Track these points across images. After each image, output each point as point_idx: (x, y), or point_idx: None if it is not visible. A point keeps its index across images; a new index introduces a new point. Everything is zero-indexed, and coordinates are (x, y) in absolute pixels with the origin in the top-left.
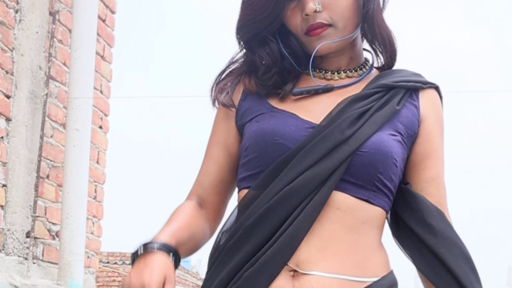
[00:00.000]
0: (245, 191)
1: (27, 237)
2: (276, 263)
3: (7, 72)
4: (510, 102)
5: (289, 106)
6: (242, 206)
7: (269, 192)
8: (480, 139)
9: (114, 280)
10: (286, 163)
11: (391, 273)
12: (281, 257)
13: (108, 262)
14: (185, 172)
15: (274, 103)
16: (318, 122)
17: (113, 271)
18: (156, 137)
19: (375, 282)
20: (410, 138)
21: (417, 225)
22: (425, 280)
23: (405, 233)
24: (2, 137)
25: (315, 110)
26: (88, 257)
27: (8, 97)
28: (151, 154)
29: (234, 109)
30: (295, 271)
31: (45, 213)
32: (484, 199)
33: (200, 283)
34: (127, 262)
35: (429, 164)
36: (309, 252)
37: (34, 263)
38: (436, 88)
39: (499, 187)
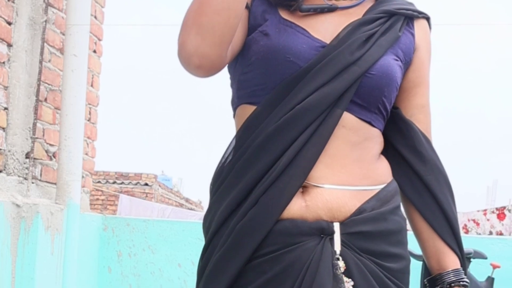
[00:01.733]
0: (246, 106)
1: (27, 158)
2: (293, 184)
3: (8, 0)
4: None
5: (299, 21)
6: (249, 122)
7: (279, 110)
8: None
9: (97, 199)
10: (297, 82)
11: (393, 180)
12: (298, 177)
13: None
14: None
15: (284, 14)
16: (327, 42)
17: (97, 190)
18: (146, 62)
19: (382, 189)
20: (406, 64)
21: (407, 151)
22: (407, 202)
23: (392, 155)
24: (3, 62)
25: (322, 29)
26: (83, 177)
27: (9, 23)
28: (141, 78)
29: (247, 9)
30: (304, 187)
31: (43, 135)
32: (470, 131)
33: (183, 201)
34: (111, 181)
35: (420, 91)
36: (317, 168)
37: (33, 183)
38: (428, 19)
39: (484, 120)
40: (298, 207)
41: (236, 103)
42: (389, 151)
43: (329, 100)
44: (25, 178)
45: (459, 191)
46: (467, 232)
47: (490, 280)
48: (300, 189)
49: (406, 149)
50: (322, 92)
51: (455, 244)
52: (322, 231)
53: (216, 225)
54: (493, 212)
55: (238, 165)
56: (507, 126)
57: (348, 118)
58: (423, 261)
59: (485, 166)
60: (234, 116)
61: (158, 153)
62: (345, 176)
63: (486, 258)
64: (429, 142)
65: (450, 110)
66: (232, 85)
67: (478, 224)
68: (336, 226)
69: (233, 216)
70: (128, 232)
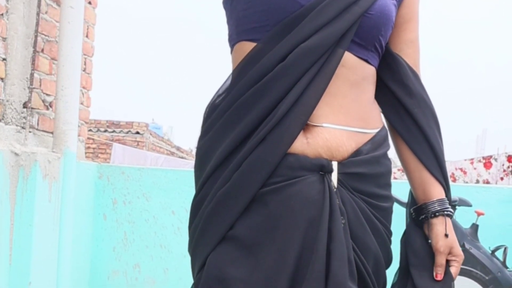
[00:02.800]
0: (246, 43)
1: (24, 107)
2: (299, 121)
3: None
4: None
5: None
6: (249, 58)
7: (281, 48)
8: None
9: (88, 147)
10: (299, 20)
11: (384, 126)
12: (303, 115)
13: None
14: (165, 43)
15: None
16: None
17: (88, 138)
18: (141, 9)
19: (377, 133)
20: (399, 2)
21: (395, 85)
22: (395, 134)
23: (381, 89)
24: (2, 14)
25: None
26: (78, 126)
27: None
28: (135, 26)
29: None
30: (306, 124)
31: (40, 85)
32: (460, 80)
33: (174, 150)
34: (102, 129)
35: (409, 26)
36: (318, 106)
37: (30, 132)
38: None
39: (474, 70)
40: (300, 144)
41: (234, 40)
42: (378, 86)
43: (331, 40)
44: (23, 127)
45: (449, 140)
46: (454, 180)
47: (475, 227)
48: None
49: (394, 83)
50: (325, 32)
51: (440, 175)
52: (322, 168)
53: (218, 161)
54: (479, 161)
55: (240, 101)
56: (497, 75)
57: (347, 57)
58: (410, 192)
59: (475, 115)
60: (231, 52)
61: (148, 102)
62: (343, 116)
63: (470, 205)
64: (416, 76)
65: (440, 60)
66: (228, 22)
67: (465, 173)
68: (335, 165)
69: (237, 152)
70: (123, 180)
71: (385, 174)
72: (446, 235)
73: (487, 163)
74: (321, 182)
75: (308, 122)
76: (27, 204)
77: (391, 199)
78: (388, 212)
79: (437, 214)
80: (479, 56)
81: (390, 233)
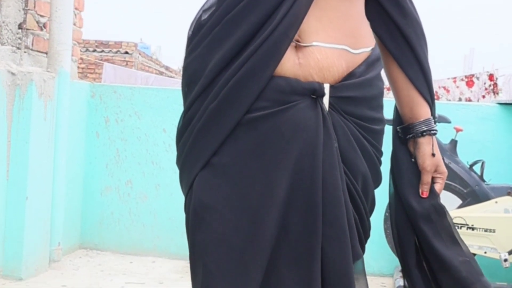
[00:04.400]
0: None
1: (19, 28)
2: (287, 37)
3: None
4: None
5: None
6: None
7: None
8: None
9: (77, 67)
10: None
11: (376, 45)
12: (292, 27)
13: None
14: None
15: None
16: None
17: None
18: None
19: (371, 53)
20: None
21: (390, 4)
22: (385, 53)
23: (374, 7)
24: None
25: None
26: (71, 46)
27: None
28: None
29: None
30: (297, 41)
31: (34, 6)
32: None
33: (163, 70)
34: (91, 49)
35: None
36: (308, 21)
37: (25, 52)
38: None
39: None
40: (291, 64)
41: None
42: (370, 3)
43: None
44: (18, 48)
45: (437, 59)
46: (437, 98)
47: (454, 143)
48: (293, 43)
49: (389, 2)
50: None
51: (428, 94)
52: (314, 92)
53: (208, 78)
54: (462, 80)
55: (228, 17)
56: None
57: None
58: (395, 109)
59: (463, 34)
60: None
61: (136, 21)
62: (333, 32)
63: (450, 122)
64: None
65: None
66: None
67: (448, 91)
68: (327, 88)
69: (227, 68)
70: (115, 99)
71: (378, 96)
72: (433, 154)
73: (469, 81)
74: (313, 108)
75: (299, 42)
76: (23, 122)
77: (382, 121)
78: (379, 134)
79: (424, 134)
80: None
81: (380, 154)
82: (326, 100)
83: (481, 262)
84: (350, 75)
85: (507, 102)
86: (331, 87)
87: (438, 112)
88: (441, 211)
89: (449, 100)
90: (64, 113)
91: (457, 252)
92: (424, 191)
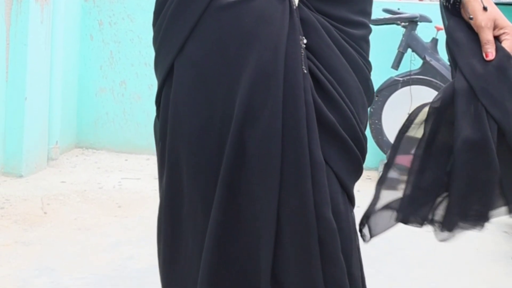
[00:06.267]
0: None
1: None
2: None
3: None
4: None
5: None
6: None
7: None
8: None
9: None
10: None
11: None
12: None
13: None
14: None
15: None
16: None
17: None
18: None
19: None
20: None
21: None
22: None
23: None
24: None
25: None
26: None
27: None
28: None
29: None
30: None
31: None
32: None
33: None
34: None
35: None
36: None
37: None
38: None
39: None
40: None
41: None
42: None
43: None
44: None
45: None
46: None
47: (435, 41)
48: None
49: None
50: None
51: None
52: None
53: None
54: None
55: None
56: None
57: None
58: None
59: None
60: None
61: None
62: None
63: (431, 21)
64: None
65: None
66: None
67: None
68: None
69: None
70: (108, 2)
71: (361, 1)
72: (485, 8)
73: None
74: (281, 1)
75: None
76: (21, 25)
77: (366, 28)
78: (363, 41)
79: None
80: None
81: (367, 64)
82: None
83: None
84: None
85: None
86: None
87: (419, 11)
88: None
89: (432, 0)
90: (60, 17)
91: None
92: (488, 52)
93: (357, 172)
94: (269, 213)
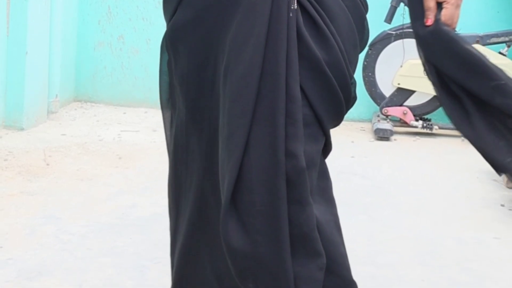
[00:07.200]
0: None
1: None
2: None
3: None
4: None
5: None
6: None
7: None
8: None
9: None
10: None
11: None
12: None
13: None
14: None
15: None
16: None
17: None
18: None
19: None
20: None
21: None
22: None
23: None
24: None
25: None
26: None
27: None
28: None
29: None
30: None
31: None
32: None
33: None
34: None
35: None
36: None
37: None
38: None
39: None
40: None
41: None
42: None
43: None
44: None
45: None
46: None
47: None
48: None
49: None
50: None
51: None
52: None
53: None
54: None
55: None
56: None
57: None
58: None
59: None
60: None
61: None
62: None
63: None
64: None
65: None
66: None
67: None
68: None
69: None
70: None
71: None
72: None
73: None
74: None
75: None
76: None
77: None
78: None
79: None
80: None
81: (363, 1)
82: None
83: None
84: None
85: None
86: None
87: None
88: (446, 38)
89: None
90: None
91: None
92: (429, 18)
93: (337, 116)
94: (237, 146)
